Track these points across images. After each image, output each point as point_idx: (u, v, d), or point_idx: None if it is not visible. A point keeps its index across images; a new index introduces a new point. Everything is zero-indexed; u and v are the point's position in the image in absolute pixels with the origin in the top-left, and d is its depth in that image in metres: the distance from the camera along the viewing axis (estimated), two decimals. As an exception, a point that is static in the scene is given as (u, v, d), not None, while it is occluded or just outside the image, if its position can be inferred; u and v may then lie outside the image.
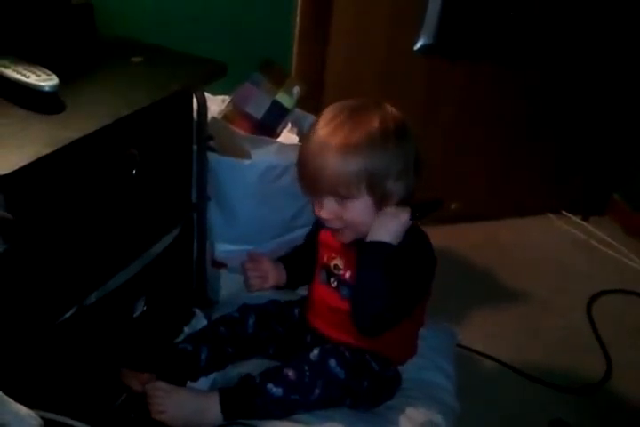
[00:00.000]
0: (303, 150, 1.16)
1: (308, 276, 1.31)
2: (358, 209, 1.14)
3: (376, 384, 1.21)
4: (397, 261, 1.13)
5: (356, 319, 1.15)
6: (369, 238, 1.14)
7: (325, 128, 1.12)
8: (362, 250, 1.15)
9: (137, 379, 1.23)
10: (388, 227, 1.14)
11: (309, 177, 1.15)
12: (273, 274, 1.30)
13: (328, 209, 1.15)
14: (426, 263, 1.18)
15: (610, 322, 1.85)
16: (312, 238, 1.31)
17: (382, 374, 1.22)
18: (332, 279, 1.24)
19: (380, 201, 1.15)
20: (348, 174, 1.11)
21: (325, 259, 1.26)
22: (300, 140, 1.20)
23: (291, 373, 1.15)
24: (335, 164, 1.10)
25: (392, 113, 1.16)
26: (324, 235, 1.26)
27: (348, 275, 1.22)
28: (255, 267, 1.29)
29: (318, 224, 1.28)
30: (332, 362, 1.16)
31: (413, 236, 1.18)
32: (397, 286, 1.12)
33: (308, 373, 1.15)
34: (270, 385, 1.14)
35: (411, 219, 1.15)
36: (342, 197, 1.13)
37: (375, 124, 1.12)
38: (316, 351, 1.18)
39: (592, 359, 1.73)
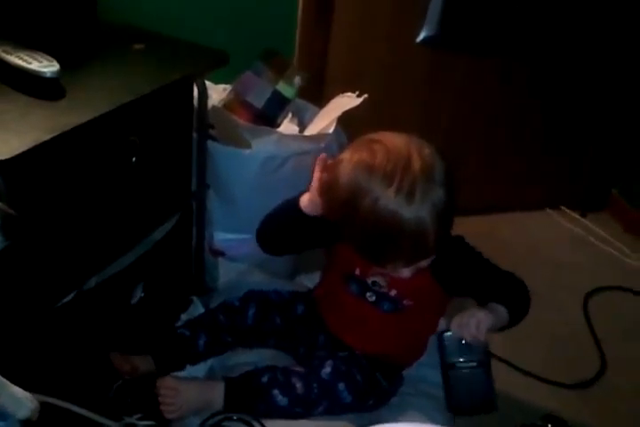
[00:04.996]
0: (393, 223, 1.00)
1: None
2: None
3: (380, 400, 1.22)
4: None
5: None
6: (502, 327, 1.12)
7: (409, 194, 0.99)
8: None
9: (129, 363, 1.24)
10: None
11: (417, 245, 1.03)
12: None
13: (413, 270, 1.10)
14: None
15: (606, 318, 1.85)
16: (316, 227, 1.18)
17: (389, 389, 1.23)
18: (368, 293, 1.20)
19: None
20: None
21: (358, 272, 1.20)
22: (368, 213, 1.01)
23: (299, 385, 1.15)
24: (442, 222, 1.02)
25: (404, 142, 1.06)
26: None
27: (393, 293, 1.19)
28: None
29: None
30: (342, 386, 1.16)
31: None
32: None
33: (315, 390, 1.15)
34: (276, 392, 1.15)
35: None
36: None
37: (427, 161, 1.02)
38: (328, 369, 1.17)
39: (587, 355, 1.74)
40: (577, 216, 2.26)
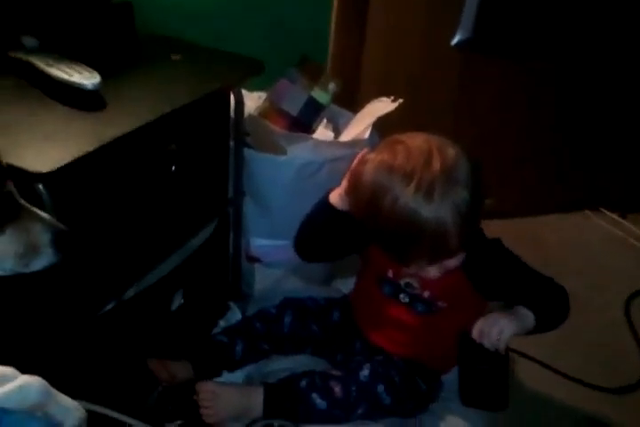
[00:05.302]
0: (413, 222, 1.01)
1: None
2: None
3: (419, 404, 1.22)
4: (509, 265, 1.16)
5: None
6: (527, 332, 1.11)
7: (428, 193, 1.00)
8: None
9: (167, 369, 1.25)
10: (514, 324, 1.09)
11: (438, 244, 1.04)
12: None
13: (440, 269, 1.11)
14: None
15: (648, 322, 1.82)
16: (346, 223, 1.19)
17: (428, 394, 1.23)
18: (401, 295, 1.21)
19: None
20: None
21: (390, 274, 1.21)
22: (389, 212, 1.03)
23: (338, 389, 1.16)
24: (465, 222, 1.02)
25: (430, 141, 1.07)
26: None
27: (427, 294, 1.19)
28: None
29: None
30: (381, 388, 1.16)
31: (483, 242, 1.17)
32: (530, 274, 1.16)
33: (354, 393, 1.16)
34: (315, 395, 1.16)
35: None
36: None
37: (449, 161, 1.02)
38: (366, 371, 1.17)
39: (630, 359, 1.71)
40: (616, 217, 2.22)
